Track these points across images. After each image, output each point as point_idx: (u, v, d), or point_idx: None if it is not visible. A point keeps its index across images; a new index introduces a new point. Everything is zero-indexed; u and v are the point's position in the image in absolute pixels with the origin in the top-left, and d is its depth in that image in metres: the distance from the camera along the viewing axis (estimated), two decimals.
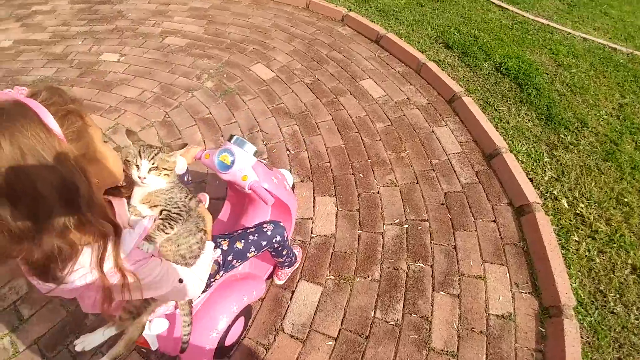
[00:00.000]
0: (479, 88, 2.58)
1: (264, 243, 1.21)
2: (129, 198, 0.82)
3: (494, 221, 1.81)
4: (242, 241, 1.16)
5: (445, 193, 1.93)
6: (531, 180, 1.92)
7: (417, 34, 3.09)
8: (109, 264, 0.64)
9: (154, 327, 1.02)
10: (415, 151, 2.17)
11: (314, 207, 1.87)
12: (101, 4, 3.59)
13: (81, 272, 0.62)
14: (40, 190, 0.52)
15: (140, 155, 0.79)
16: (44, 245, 0.55)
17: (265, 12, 3.39)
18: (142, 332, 0.94)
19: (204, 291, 1.03)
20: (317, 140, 2.22)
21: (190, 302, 1.05)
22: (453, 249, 1.70)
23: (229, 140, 1.22)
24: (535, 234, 1.69)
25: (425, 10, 3.46)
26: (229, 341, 1.31)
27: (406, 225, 1.79)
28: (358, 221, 1.80)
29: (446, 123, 2.36)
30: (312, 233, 1.76)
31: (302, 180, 1.99)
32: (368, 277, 1.61)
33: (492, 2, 3.72)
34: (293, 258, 1.48)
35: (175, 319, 1.09)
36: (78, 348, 0.85)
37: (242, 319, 1.35)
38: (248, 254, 1.18)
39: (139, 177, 0.79)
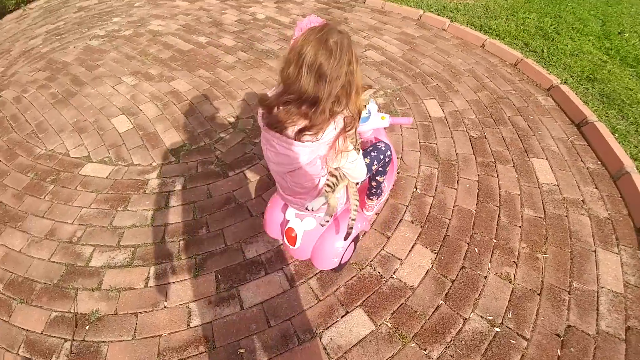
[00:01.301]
0: None
1: (381, 157, 1.51)
2: None
3: None
4: (367, 158, 1.46)
5: (569, 327, 1.53)
6: None
7: (638, 138, 2.47)
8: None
9: (306, 223, 1.47)
10: (558, 261, 1.78)
11: (409, 251, 1.81)
12: (337, 9, 4.29)
13: (329, 129, 1.04)
14: (340, 79, 0.98)
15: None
16: (325, 111, 0.99)
17: (468, 56, 3.34)
18: (336, 205, 1.36)
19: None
20: (450, 193, 2.10)
21: (357, 191, 1.41)
22: None
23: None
24: None
25: None
26: (344, 258, 1.65)
27: (497, 329, 1.53)
28: (446, 292, 1.64)
29: (619, 252, 1.84)
30: (394, 274, 1.71)
31: (412, 221, 1.94)
32: (425, 350, 1.47)
33: None
34: (384, 188, 1.77)
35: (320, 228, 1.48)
36: (309, 207, 1.28)
37: (352, 245, 1.69)
38: (372, 167, 1.50)
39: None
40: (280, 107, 1.04)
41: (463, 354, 1.46)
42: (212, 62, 3.35)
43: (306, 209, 1.30)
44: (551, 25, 3.83)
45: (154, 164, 2.35)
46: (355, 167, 1.24)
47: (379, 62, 3.26)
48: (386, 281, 1.68)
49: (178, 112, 2.76)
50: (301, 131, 1.01)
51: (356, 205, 1.39)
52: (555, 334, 1.51)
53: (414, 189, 2.12)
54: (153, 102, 2.88)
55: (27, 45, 3.97)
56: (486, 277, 1.70)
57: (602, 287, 1.67)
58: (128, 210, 2.06)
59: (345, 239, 1.47)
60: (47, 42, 3.97)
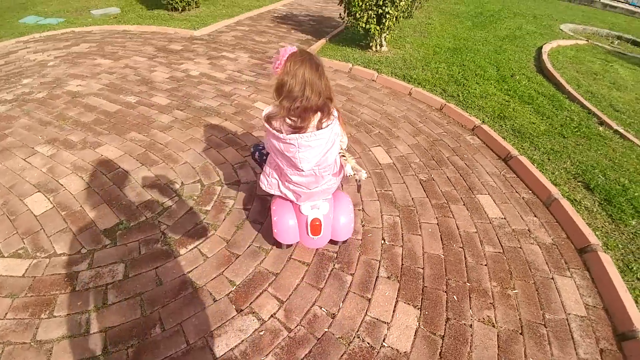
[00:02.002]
0: (620, 247, 2.18)
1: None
2: None
3: None
4: None
5: None
6: None
7: (552, 165, 2.87)
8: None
9: (322, 209, 1.75)
10: (527, 295, 1.87)
11: (393, 312, 1.73)
12: (270, 63, 4.39)
13: (334, 112, 1.51)
14: (321, 90, 1.40)
15: None
16: (327, 104, 1.45)
17: (400, 104, 3.63)
18: (354, 163, 1.71)
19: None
20: (416, 240, 2.12)
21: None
22: None
23: None
24: None
25: (567, 143, 3.22)
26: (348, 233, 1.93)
27: None
28: (439, 351, 1.58)
29: (572, 275, 2.01)
30: (384, 341, 1.60)
31: (388, 277, 1.89)
32: None
33: None
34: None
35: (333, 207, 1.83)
36: (347, 173, 1.69)
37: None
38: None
39: None
40: (291, 116, 1.43)
41: None
42: (145, 123, 3.08)
43: (347, 176, 1.70)
44: (459, 73, 4.43)
45: (83, 251, 1.95)
46: (343, 139, 1.76)
47: None
48: (378, 352, 1.56)
49: (109, 184, 2.40)
50: (319, 121, 1.46)
51: (352, 163, 1.72)
52: None
53: (382, 241, 2.10)
54: (76, 173, 2.47)
55: None
56: (471, 325, 1.69)
57: (569, 314, 1.78)
58: (55, 316, 1.63)
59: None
60: None
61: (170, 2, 5.89)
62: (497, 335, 1.67)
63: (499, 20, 7.32)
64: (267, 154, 1.75)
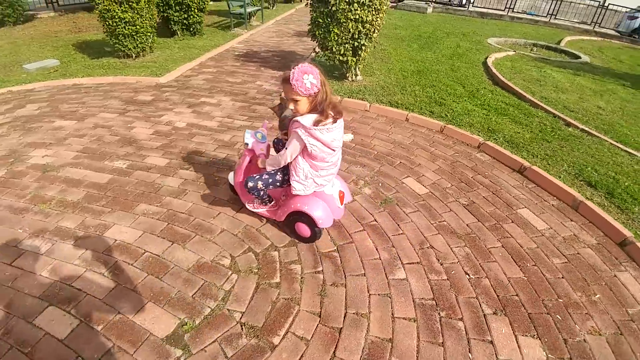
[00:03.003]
0: None
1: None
2: None
3: None
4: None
5: None
6: None
7: (554, 169, 3.17)
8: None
9: (336, 183, 2.23)
10: (607, 296, 2.00)
11: (519, 348, 1.69)
12: (257, 105, 4.22)
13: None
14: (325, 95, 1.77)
15: None
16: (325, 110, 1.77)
17: (403, 131, 3.74)
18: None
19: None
20: (495, 267, 2.14)
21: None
22: None
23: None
24: None
25: (554, 147, 3.61)
26: (299, 232, 2.24)
27: None
28: None
29: (626, 268, 2.21)
30: None
31: (494, 313, 1.86)
32: None
33: (618, 147, 3.81)
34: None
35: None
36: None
37: (305, 226, 2.18)
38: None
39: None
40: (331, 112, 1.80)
41: None
42: (152, 190, 2.68)
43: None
44: (435, 94, 4.74)
45: None
46: None
47: None
48: None
49: (142, 275, 2.00)
50: (339, 114, 1.82)
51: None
52: None
53: (467, 275, 2.07)
54: (93, 270, 2.01)
55: None
56: (584, 340, 1.76)
57: None
58: None
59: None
60: None
61: (122, 48, 5.38)
62: (607, 342, 1.74)
63: (438, 40, 8.10)
64: (269, 184, 2.10)
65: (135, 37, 5.40)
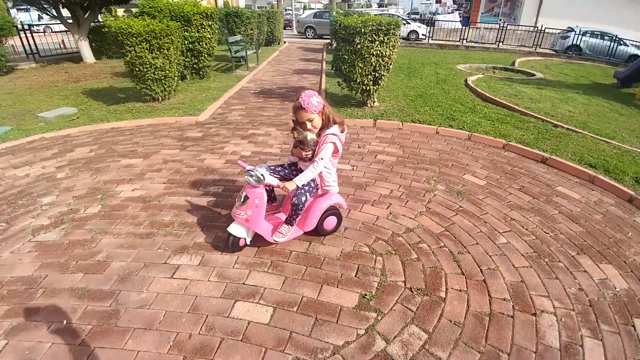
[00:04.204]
0: None
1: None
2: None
3: None
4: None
5: None
6: None
7: (563, 157, 4.00)
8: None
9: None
10: (635, 233, 2.72)
11: (602, 271, 2.29)
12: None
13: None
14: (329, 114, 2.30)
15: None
16: (335, 118, 2.31)
17: (439, 141, 4.45)
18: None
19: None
20: (562, 227, 2.79)
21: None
22: None
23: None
24: None
25: (553, 143, 4.49)
26: (328, 226, 2.57)
27: None
28: None
29: (639, 215, 2.96)
30: None
31: (578, 254, 2.46)
32: None
33: (597, 138, 4.80)
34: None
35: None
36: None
37: (335, 218, 2.57)
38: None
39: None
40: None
41: None
42: None
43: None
44: (444, 112, 5.60)
45: None
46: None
47: (397, 160, 3.87)
48: None
49: (302, 268, 2.33)
50: (341, 125, 2.34)
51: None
52: None
53: (547, 234, 2.67)
54: (256, 270, 2.32)
55: None
56: (634, 260, 2.40)
57: None
58: None
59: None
60: None
61: (150, 92, 5.68)
62: None
63: (418, 70, 9.31)
64: (312, 190, 2.43)
65: (164, 82, 5.76)
